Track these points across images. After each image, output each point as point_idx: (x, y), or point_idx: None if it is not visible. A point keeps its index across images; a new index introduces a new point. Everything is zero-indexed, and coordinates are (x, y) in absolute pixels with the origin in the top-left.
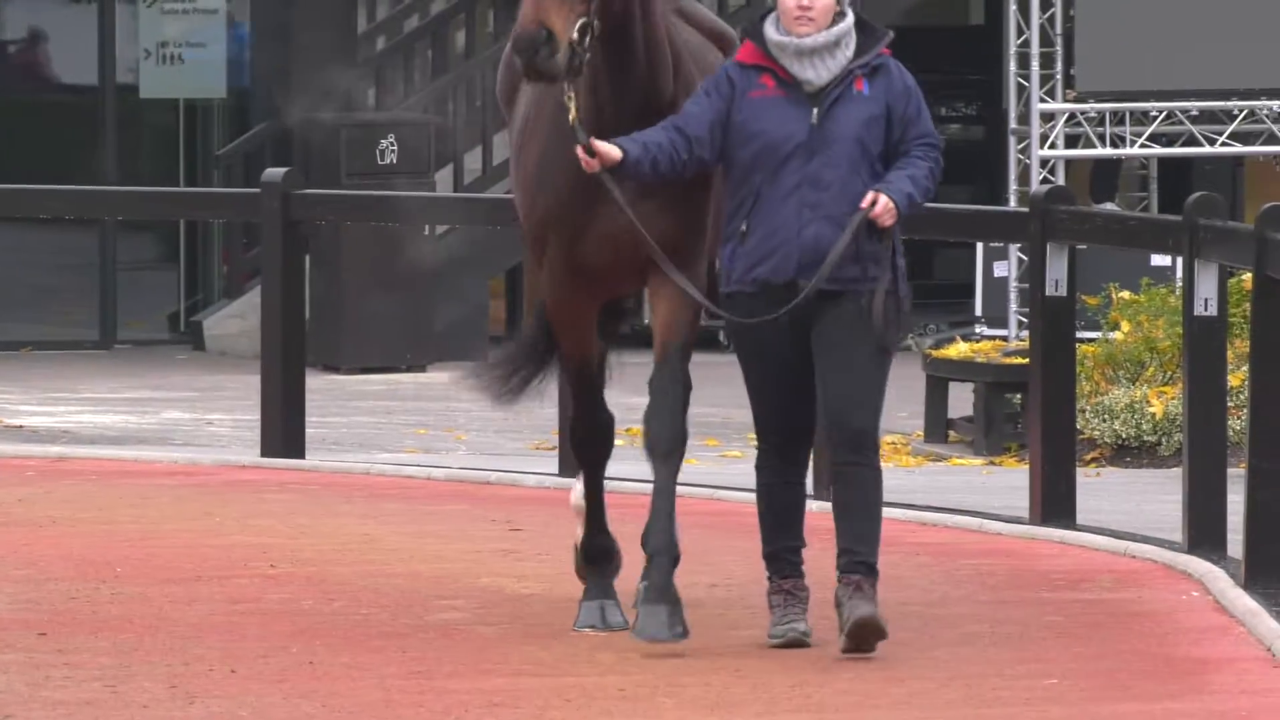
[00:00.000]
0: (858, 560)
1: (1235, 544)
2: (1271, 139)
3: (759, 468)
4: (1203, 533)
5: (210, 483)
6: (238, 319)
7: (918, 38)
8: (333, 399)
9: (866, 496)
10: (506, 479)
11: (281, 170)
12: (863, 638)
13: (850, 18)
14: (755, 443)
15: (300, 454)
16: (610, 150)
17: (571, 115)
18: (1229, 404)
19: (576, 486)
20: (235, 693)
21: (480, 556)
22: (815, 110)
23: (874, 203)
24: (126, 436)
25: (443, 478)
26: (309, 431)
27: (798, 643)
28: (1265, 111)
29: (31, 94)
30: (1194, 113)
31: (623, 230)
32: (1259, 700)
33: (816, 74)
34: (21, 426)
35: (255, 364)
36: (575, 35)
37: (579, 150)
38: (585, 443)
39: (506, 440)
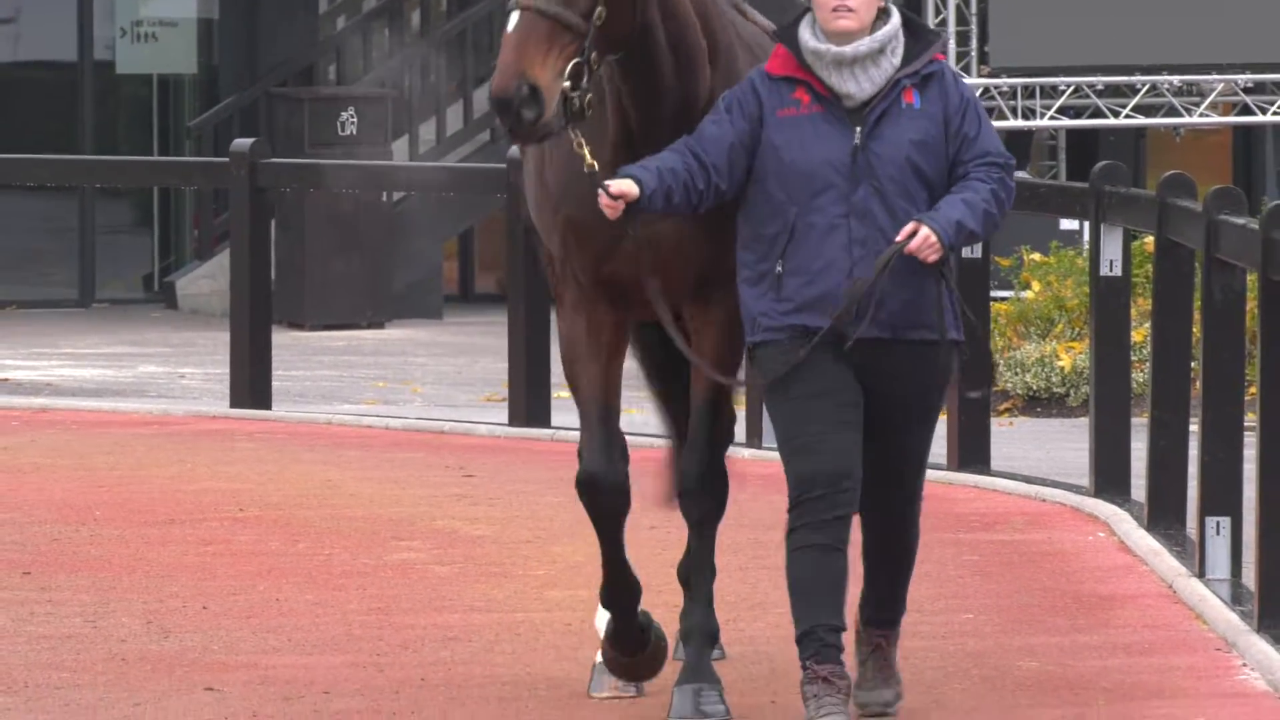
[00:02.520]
0: (885, 616)
1: (1138, 488)
2: (1172, 111)
3: (791, 531)
4: (1108, 478)
5: (183, 432)
6: (208, 279)
7: None
8: (297, 354)
9: (907, 551)
10: (460, 429)
11: (249, 141)
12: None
13: (896, 18)
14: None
15: (267, 405)
16: (630, 187)
17: (587, 160)
18: (1132, 358)
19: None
20: (207, 628)
21: (436, 501)
22: (858, 129)
23: (913, 234)
24: (104, 389)
25: (400, 427)
26: (275, 384)
27: None
28: (1166, 85)
29: (14, 70)
30: (1099, 87)
31: (665, 238)
32: (1160, 633)
33: (859, 86)
34: (6, 379)
35: (225, 321)
36: (568, 83)
37: (600, 196)
38: (587, 495)
39: (460, 393)
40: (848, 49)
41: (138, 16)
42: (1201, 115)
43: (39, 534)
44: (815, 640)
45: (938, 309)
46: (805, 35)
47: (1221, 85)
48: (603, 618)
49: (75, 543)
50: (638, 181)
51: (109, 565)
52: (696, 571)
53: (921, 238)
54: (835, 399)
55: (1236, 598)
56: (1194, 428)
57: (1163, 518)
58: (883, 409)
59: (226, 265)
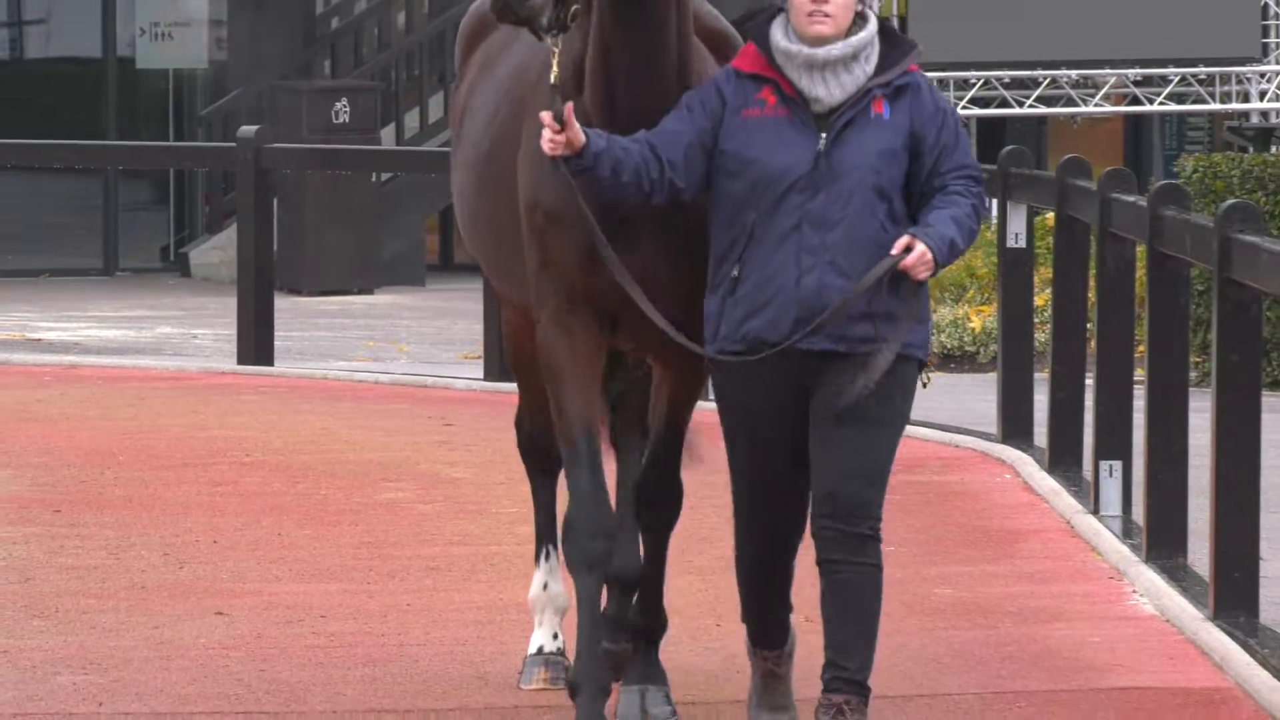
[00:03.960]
0: (843, 677)
1: (1040, 435)
2: (1070, 102)
3: (739, 546)
4: (1014, 426)
5: (195, 386)
6: (218, 250)
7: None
8: (296, 317)
9: (861, 599)
10: (441, 383)
11: (254, 128)
12: None
13: (873, 24)
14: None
15: (270, 362)
16: (577, 132)
17: (554, 74)
18: (1035, 320)
19: (537, 576)
20: (217, 559)
21: (419, 446)
22: (823, 136)
23: (908, 249)
24: (126, 348)
25: (388, 382)
26: (277, 344)
27: None
28: (1064, 79)
29: (45, 65)
30: (1006, 80)
31: (649, 275)
32: (1059, 563)
33: (828, 91)
34: (39, 340)
35: (232, 288)
36: None
37: (546, 120)
38: (575, 542)
39: (441, 351)
40: (820, 51)
41: (155, 18)
42: (1096, 105)
43: (68, 476)
44: (761, 628)
45: (893, 324)
46: (777, 35)
47: (1114, 78)
48: (541, 606)
49: (100, 484)
50: (587, 138)
51: (130, 504)
52: (649, 569)
53: (918, 254)
54: (787, 437)
55: (1127, 532)
56: (1089, 382)
57: (1062, 461)
58: (827, 424)
59: (234, 238)
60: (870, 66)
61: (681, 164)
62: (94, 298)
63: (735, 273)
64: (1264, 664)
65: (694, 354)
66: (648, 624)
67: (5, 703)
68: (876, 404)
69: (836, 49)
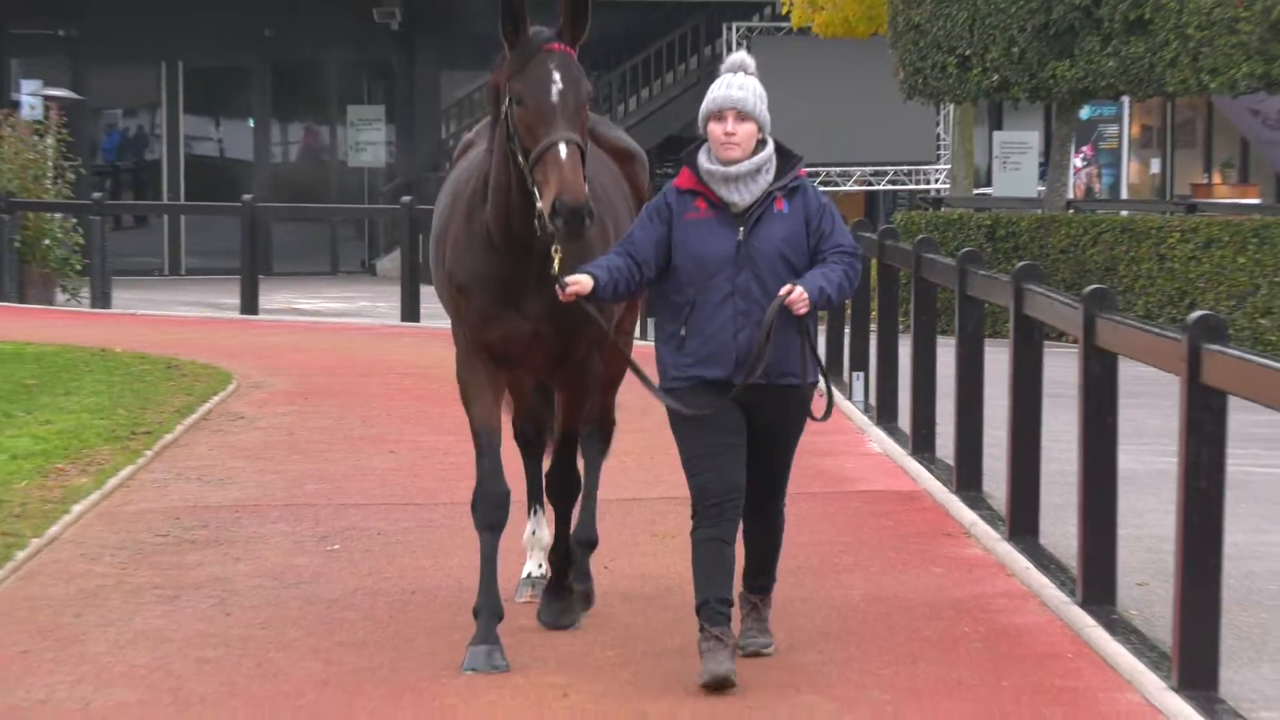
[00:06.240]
0: (760, 584)
1: (821, 358)
2: (834, 184)
3: (695, 529)
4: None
5: (378, 334)
6: (391, 261)
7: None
8: (431, 296)
9: (775, 540)
10: None
11: (409, 198)
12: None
13: (770, 145)
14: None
15: (417, 320)
16: (584, 281)
17: (556, 266)
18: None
19: (528, 525)
20: (390, 423)
21: None
22: (741, 229)
23: (789, 291)
24: (343, 313)
25: None
26: (422, 309)
27: (726, 682)
28: (831, 172)
29: (301, 165)
30: None
31: (533, 335)
32: (829, 425)
33: (741, 197)
34: (297, 309)
35: (399, 281)
36: None
37: (557, 288)
38: (481, 510)
39: None
40: (732, 169)
41: (357, 139)
42: (849, 186)
43: (310, 381)
44: (710, 609)
45: (801, 361)
46: (702, 159)
47: (858, 172)
48: (531, 546)
49: (327, 384)
50: (593, 277)
51: (344, 394)
52: (585, 503)
53: (797, 294)
54: (725, 430)
55: (866, 410)
56: (847, 330)
57: (832, 371)
58: (760, 434)
59: (400, 255)
60: (770, 176)
61: (652, 260)
62: (324, 287)
63: (683, 332)
64: (938, 477)
65: (581, 375)
66: (587, 539)
67: (279, 499)
68: (792, 429)
69: (745, 166)
